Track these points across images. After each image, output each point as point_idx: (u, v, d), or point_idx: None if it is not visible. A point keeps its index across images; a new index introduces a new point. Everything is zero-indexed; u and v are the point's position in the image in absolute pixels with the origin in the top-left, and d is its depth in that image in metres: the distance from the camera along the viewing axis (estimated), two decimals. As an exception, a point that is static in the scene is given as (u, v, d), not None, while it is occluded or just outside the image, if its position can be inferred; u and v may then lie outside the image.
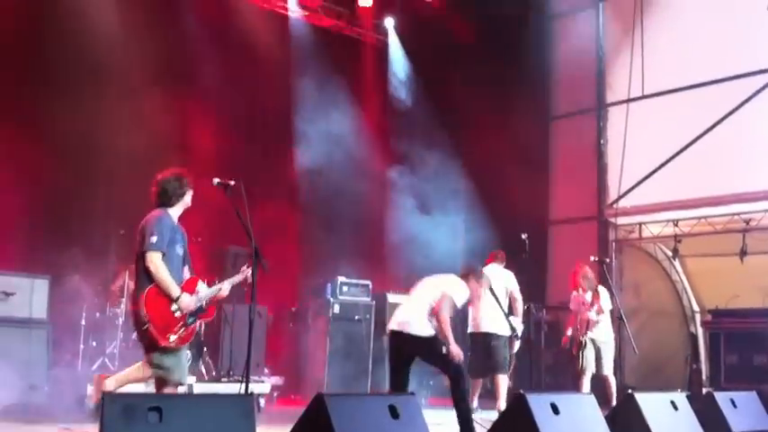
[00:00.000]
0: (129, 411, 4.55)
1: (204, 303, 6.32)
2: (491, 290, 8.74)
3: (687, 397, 7.33)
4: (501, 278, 9.29)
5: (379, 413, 5.41)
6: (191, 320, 6.18)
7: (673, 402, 7.04)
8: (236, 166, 10.39)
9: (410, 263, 13.63)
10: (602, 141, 13.43)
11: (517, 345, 9.39)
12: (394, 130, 14.20)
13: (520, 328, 9.30)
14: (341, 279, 10.94)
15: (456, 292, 7.26)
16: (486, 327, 9.18)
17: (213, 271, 10.70)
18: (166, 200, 6.28)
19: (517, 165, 12.66)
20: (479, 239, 13.70)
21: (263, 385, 9.80)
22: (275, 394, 10.63)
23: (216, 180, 6.30)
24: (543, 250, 12.87)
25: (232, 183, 6.29)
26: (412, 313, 7.22)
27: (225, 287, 6.53)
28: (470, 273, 7.62)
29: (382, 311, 11.30)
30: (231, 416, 4.89)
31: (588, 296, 9.30)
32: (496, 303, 9.03)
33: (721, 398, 7.49)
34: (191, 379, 9.32)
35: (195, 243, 10.55)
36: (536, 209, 13.02)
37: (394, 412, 5.44)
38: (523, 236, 9.09)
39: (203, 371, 10.01)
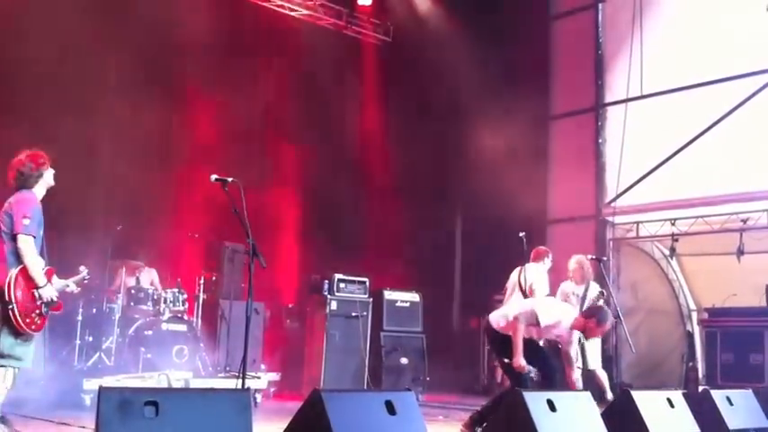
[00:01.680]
0: (125, 405, 4.55)
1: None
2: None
3: (683, 395, 7.34)
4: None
5: (375, 409, 5.42)
6: (45, 309, 6.22)
7: (669, 400, 7.04)
8: (233, 161, 10.38)
9: (407, 260, 13.70)
10: (600, 141, 13.43)
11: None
12: (393, 128, 14.22)
13: None
14: (338, 276, 10.94)
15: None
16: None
17: (210, 267, 10.73)
18: (24, 182, 6.30)
19: (515, 163, 12.67)
20: (477, 238, 13.76)
21: (259, 381, 9.80)
22: (272, 390, 10.64)
23: (213, 177, 6.31)
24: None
25: (230, 180, 6.30)
26: None
27: (71, 286, 6.68)
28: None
29: (379, 308, 11.32)
30: (228, 411, 4.89)
31: (579, 290, 9.35)
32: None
33: (718, 395, 7.50)
34: (187, 374, 9.34)
35: (192, 239, 10.62)
36: (534, 207, 13.01)
37: (391, 408, 5.45)
38: (521, 234, 9.08)
39: (200, 366, 10.01)
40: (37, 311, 6.13)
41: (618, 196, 12.87)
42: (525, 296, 9.39)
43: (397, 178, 14.11)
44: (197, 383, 9.12)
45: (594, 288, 9.49)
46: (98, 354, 9.44)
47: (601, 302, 9.23)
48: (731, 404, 7.49)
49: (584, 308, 9.16)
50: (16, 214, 6.10)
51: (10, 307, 5.96)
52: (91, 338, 9.60)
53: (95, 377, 8.54)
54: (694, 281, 13.01)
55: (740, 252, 11.13)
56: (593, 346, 9.33)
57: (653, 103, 12.64)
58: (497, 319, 7.42)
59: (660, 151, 12.19)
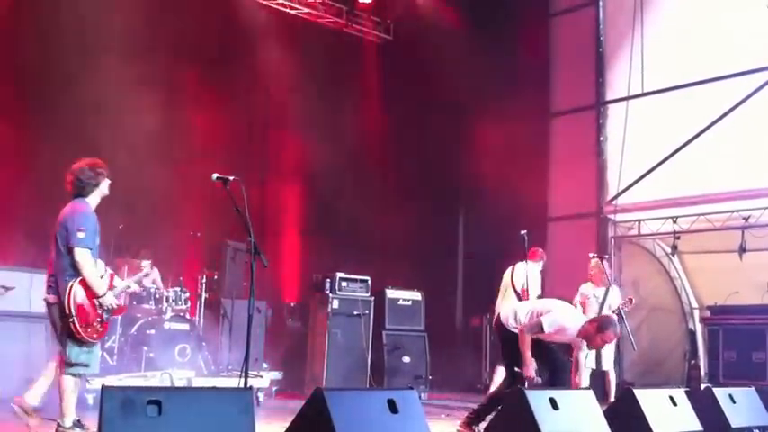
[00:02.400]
0: (128, 405, 4.55)
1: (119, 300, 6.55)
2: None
3: (686, 393, 7.34)
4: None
5: (377, 408, 5.42)
6: (106, 316, 6.34)
7: (671, 398, 7.05)
8: (234, 160, 10.38)
9: (409, 258, 13.70)
10: (601, 138, 13.43)
11: None
12: (393, 126, 14.22)
13: None
14: (340, 274, 10.94)
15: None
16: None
17: (212, 266, 10.73)
18: (81, 190, 6.38)
19: (517, 161, 12.67)
20: (478, 236, 13.75)
21: (261, 380, 9.80)
22: (274, 389, 10.64)
23: (215, 175, 6.30)
24: (542, 247, 12.82)
25: (231, 178, 6.29)
26: None
27: (132, 285, 6.88)
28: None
29: (381, 307, 11.33)
30: (230, 410, 4.89)
31: (599, 292, 9.39)
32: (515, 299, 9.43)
33: (720, 393, 7.49)
34: (190, 373, 9.35)
35: (194, 238, 10.62)
36: (535, 205, 13.02)
37: (393, 407, 5.45)
38: (522, 232, 9.08)
39: (202, 365, 10.02)
40: (98, 320, 6.25)
41: (619, 194, 12.87)
42: (519, 297, 9.42)
43: (398, 176, 14.12)
44: (199, 382, 9.12)
45: (616, 293, 9.50)
46: (100, 353, 9.43)
47: (623, 311, 9.22)
48: (734, 402, 7.49)
49: (601, 312, 9.18)
50: (71, 227, 6.18)
51: (71, 320, 6.10)
52: (93, 338, 9.58)
53: (98, 376, 8.53)
54: (696, 278, 13.01)
55: (742, 249, 11.13)
56: (609, 347, 9.28)
57: (654, 101, 12.63)
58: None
59: (661, 149, 12.18)
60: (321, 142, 13.14)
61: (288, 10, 13.51)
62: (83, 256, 6.16)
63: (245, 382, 5.86)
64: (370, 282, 11.21)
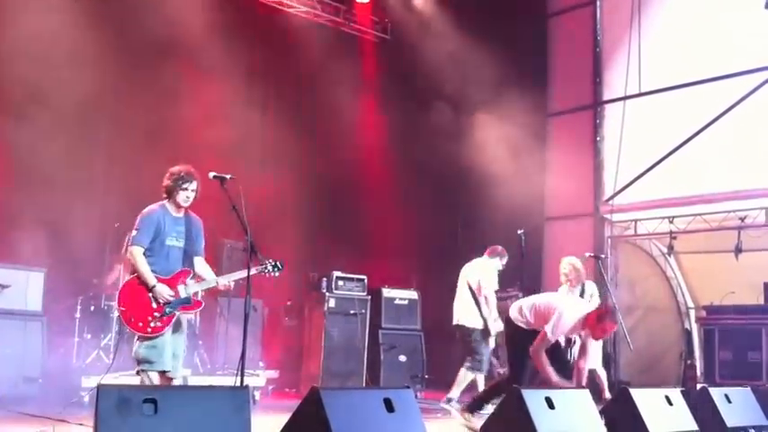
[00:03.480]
0: (123, 403, 4.55)
1: (190, 295, 6.48)
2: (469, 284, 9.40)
3: (682, 392, 7.35)
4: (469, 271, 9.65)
5: (374, 407, 5.42)
6: (168, 310, 6.33)
7: (667, 397, 7.06)
8: (231, 159, 10.36)
9: (406, 258, 13.70)
10: (598, 138, 13.42)
11: (491, 341, 9.43)
12: (391, 125, 14.21)
13: (490, 324, 9.35)
14: (336, 273, 10.95)
15: None
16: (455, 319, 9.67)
17: (209, 264, 10.68)
18: (167, 193, 6.53)
19: (513, 160, 12.67)
20: (475, 235, 13.74)
21: (258, 378, 9.81)
22: (270, 388, 10.65)
23: (212, 174, 6.34)
24: (539, 246, 12.87)
25: (228, 176, 6.31)
26: None
27: (221, 282, 6.73)
28: None
29: (378, 306, 11.33)
30: (226, 408, 4.89)
31: (575, 291, 9.35)
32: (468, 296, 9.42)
33: (716, 393, 7.51)
34: (185, 371, 9.33)
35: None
36: (532, 205, 13.01)
37: (389, 406, 5.45)
38: (519, 232, 9.09)
39: (198, 364, 10.02)
40: (155, 314, 6.29)
41: (616, 194, 12.87)
42: (473, 294, 9.45)
43: (396, 175, 14.10)
44: (195, 381, 9.12)
45: (591, 286, 9.48)
46: (96, 351, 9.44)
47: (599, 300, 9.24)
48: (729, 402, 7.50)
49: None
50: (135, 226, 6.47)
51: (118, 315, 6.43)
52: (89, 336, 9.60)
53: (94, 375, 8.54)
54: (692, 278, 13.02)
55: (738, 250, 11.14)
56: (595, 346, 9.31)
57: (651, 101, 12.63)
58: (516, 316, 7.53)
59: (658, 149, 12.18)
60: (319, 141, 13.14)
61: (285, 9, 13.50)
62: (132, 252, 6.38)
63: (242, 381, 5.88)
64: (366, 281, 11.22)
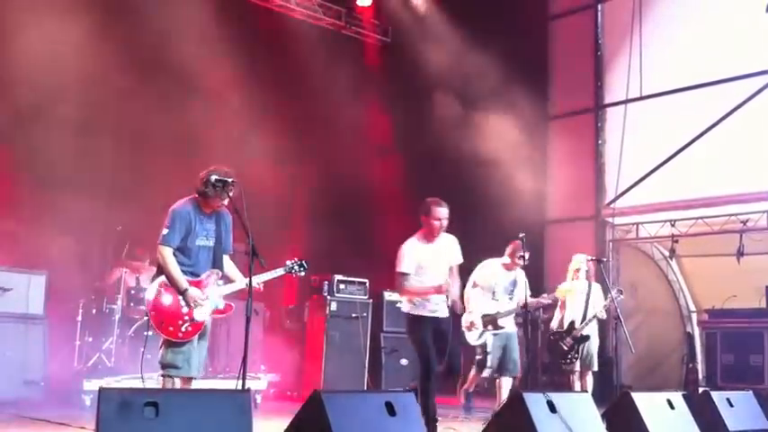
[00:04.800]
0: (125, 406, 4.55)
1: (221, 300, 6.39)
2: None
3: (684, 396, 7.34)
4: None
5: (375, 410, 5.42)
6: (200, 316, 6.21)
7: (669, 401, 7.06)
8: (233, 162, 10.36)
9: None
10: (599, 142, 13.45)
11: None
12: (391, 129, 14.22)
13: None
14: (338, 277, 10.95)
15: None
16: None
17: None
18: (200, 191, 6.26)
19: (515, 164, 12.67)
20: (476, 238, 13.73)
21: (259, 382, 9.80)
22: (272, 391, 10.63)
23: (214, 177, 6.28)
24: (540, 250, 12.86)
25: (230, 180, 6.27)
26: None
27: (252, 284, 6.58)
28: None
29: (379, 309, 11.32)
30: (228, 411, 4.90)
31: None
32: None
33: (718, 397, 7.50)
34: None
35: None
36: (533, 208, 13.01)
37: (390, 409, 5.45)
38: (520, 235, 9.06)
39: (200, 367, 10.00)
40: (186, 318, 6.12)
41: (617, 197, 12.88)
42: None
43: (396, 178, 14.09)
44: (197, 384, 9.09)
45: (597, 288, 9.47)
46: (98, 354, 9.42)
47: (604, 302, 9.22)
48: (731, 405, 7.50)
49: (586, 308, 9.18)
50: (164, 224, 6.17)
51: (146, 318, 6.16)
52: (91, 339, 9.58)
53: (95, 378, 8.54)
54: (694, 282, 13.02)
55: (740, 253, 11.15)
56: (592, 347, 9.28)
57: (652, 105, 12.65)
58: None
59: (660, 152, 12.20)
60: (321, 144, 13.13)
61: (286, 12, 13.51)
62: (161, 253, 6.11)
63: (243, 384, 5.86)
64: (368, 284, 11.22)
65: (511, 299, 8.93)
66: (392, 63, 14.75)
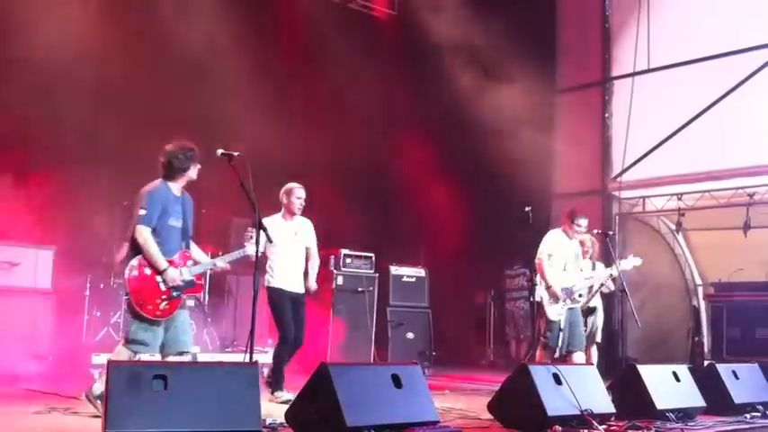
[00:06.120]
0: (134, 379, 4.59)
1: (194, 278, 6.42)
2: None
3: (689, 369, 7.37)
4: None
5: (382, 382, 5.46)
6: (176, 294, 6.26)
7: (675, 374, 7.08)
8: (239, 136, 10.35)
9: (414, 235, 13.71)
10: (607, 115, 13.39)
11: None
12: (397, 103, 14.16)
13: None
14: (344, 251, 10.97)
15: None
16: None
17: (218, 243, 10.74)
18: (169, 172, 6.36)
19: (521, 137, 12.62)
20: (483, 212, 13.74)
21: (266, 355, 9.84)
22: (279, 364, 10.67)
23: (220, 151, 6.28)
24: (546, 223, 12.84)
25: (236, 154, 6.27)
26: None
27: (219, 263, 6.73)
28: None
29: (385, 283, 11.36)
30: (236, 383, 4.93)
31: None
32: None
33: (723, 369, 7.52)
34: (195, 349, 9.38)
35: (199, 215, 10.61)
36: (540, 182, 12.99)
37: (397, 381, 5.48)
38: (527, 209, 9.07)
39: (208, 341, 10.07)
40: (163, 297, 6.17)
41: (624, 171, 12.85)
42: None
43: (404, 152, 14.05)
44: (205, 358, 9.16)
45: (600, 267, 9.42)
46: (106, 329, 9.49)
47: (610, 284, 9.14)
48: (737, 378, 7.52)
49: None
50: (136, 205, 6.22)
51: (125, 297, 6.20)
52: (99, 313, 9.64)
53: (104, 352, 8.59)
54: (700, 255, 13.00)
55: (747, 226, 11.14)
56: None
57: (660, 77, 12.57)
58: None
59: (667, 125, 12.14)
60: (328, 118, 13.09)
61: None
62: (140, 233, 6.14)
63: (251, 357, 5.90)
64: (374, 258, 11.24)
65: (580, 270, 8.78)
66: (398, 36, 14.65)
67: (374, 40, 14.20)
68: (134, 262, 6.17)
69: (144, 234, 6.14)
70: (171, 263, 6.25)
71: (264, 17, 12.60)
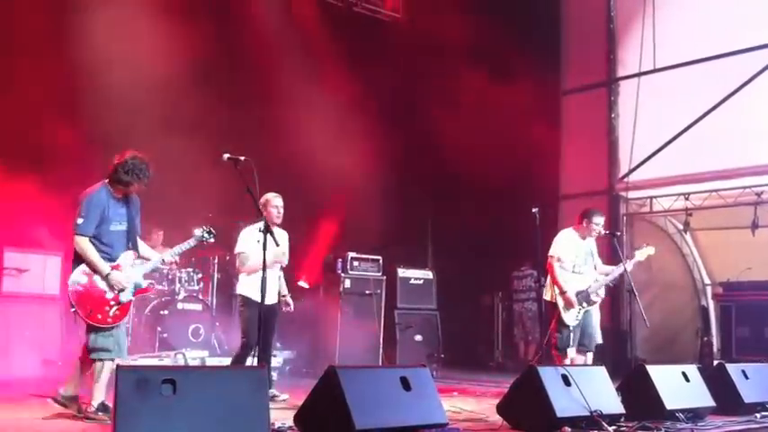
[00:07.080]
0: (142, 384, 4.59)
1: (141, 279, 6.40)
2: None
3: (699, 369, 7.35)
4: None
5: (390, 385, 5.45)
6: (124, 298, 6.24)
7: (684, 374, 7.06)
8: (245, 140, 10.37)
9: (420, 237, 13.71)
10: (613, 115, 13.37)
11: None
12: (404, 105, 14.16)
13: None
14: (351, 254, 10.98)
15: None
16: None
17: (224, 246, 10.75)
18: (112, 177, 6.31)
19: (528, 138, 12.62)
20: (490, 213, 13.72)
21: (274, 359, 9.84)
22: (287, 368, 10.70)
23: (226, 155, 6.30)
24: (554, 224, 12.82)
25: (242, 158, 6.28)
26: None
27: (166, 258, 6.67)
28: None
29: (393, 286, 11.35)
30: (244, 388, 4.93)
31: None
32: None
33: (733, 369, 7.50)
34: (203, 353, 9.41)
35: (206, 218, 10.62)
36: (547, 183, 12.98)
37: (406, 384, 5.48)
38: (534, 210, 9.02)
39: (216, 345, 10.08)
40: (112, 302, 6.17)
41: (631, 171, 12.83)
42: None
43: (409, 155, 14.05)
44: (213, 362, 9.18)
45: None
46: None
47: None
48: (746, 378, 7.49)
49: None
50: (77, 212, 6.20)
51: (72, 310, 6.14)
52: (107, 319, 9.64)
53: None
54: (708, 255, 12.97)
55: (755, 225, 11.11)
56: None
57: (666, 77, 12.55)
58: None
59: (673, 125, 12.12)
60: (331, 121, 13.09)
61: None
62: (78, 242, 6.15)
63: (259, 361, 5.91)
64: (381, 261, 11.24)
65: (594, 269, 8.61)
66: (402, 39, 14.65)
67: (377, 41, 14.20)
68: (75, 275, 6.13)
69: (81, 244, 6.13)
70: (116, 267, 6.23)
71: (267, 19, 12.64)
